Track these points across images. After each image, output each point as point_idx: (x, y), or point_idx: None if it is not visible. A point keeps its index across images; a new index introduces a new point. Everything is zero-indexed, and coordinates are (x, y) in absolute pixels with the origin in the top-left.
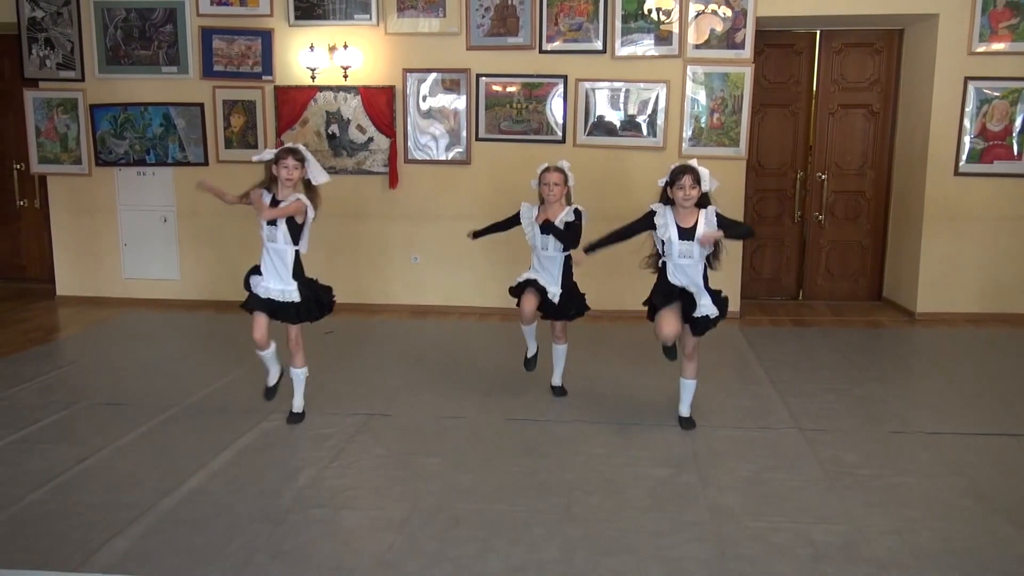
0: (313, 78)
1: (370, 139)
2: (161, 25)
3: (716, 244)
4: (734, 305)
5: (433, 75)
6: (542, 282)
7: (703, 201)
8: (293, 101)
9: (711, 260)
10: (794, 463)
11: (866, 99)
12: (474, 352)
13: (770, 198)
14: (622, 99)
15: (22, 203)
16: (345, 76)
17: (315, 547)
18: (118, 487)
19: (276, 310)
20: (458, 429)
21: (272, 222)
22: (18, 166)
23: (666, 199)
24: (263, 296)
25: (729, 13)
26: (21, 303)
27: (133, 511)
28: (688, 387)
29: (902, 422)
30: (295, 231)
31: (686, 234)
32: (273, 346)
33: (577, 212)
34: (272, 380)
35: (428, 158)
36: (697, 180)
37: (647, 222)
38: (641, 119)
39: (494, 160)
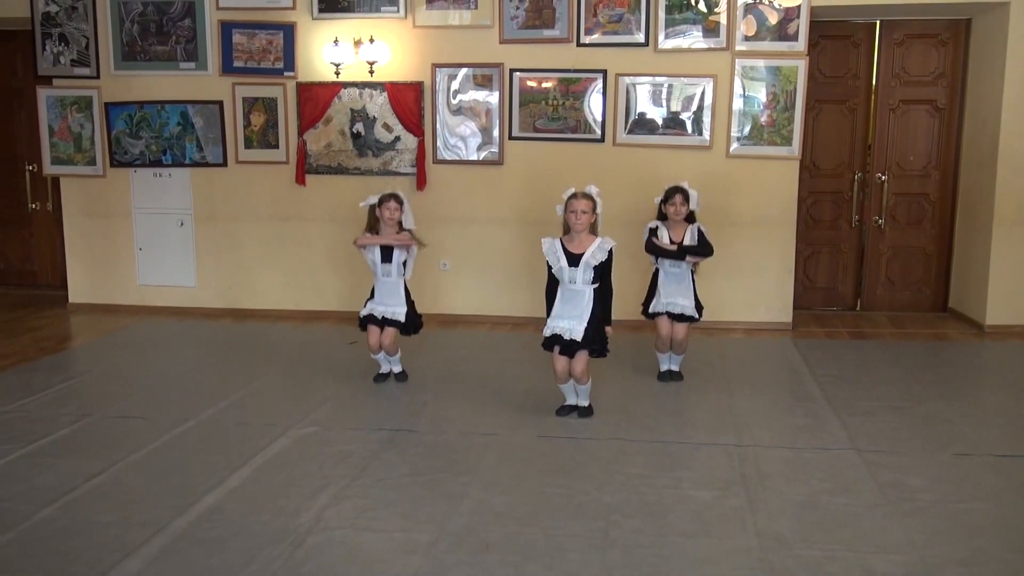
0: (337, 74)
1: (397, 138)
2: (179, 19)
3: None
4: (786, 316)
5: (464, 70)
6: (566, 324)
7: (691, 218)
8: (316, 98)
9: (695, 267)
10: (851, 487)
11: (930, 94)
12: (506, 365)
13: (825, 201)
14: (665, 95)
15: (34, 206)
16: (371, 72)
17: (336, 571)
18: (130, 504)
19: (385, 322)
20: (489, 447)
21: (387, 259)
22: (30, 167)
23: (661, 215)
24: (378, 315)
25: (782, 3)
26: (32, 311)
27: (146, 530)
28: (678, 359)
29: (969, 444)
30: (404, 264)
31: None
32: (382, 352)
33: (611, 251)
34: (384, 369)
35: (458, 158)
36: (686, 199)
37: (651, 239)
38: (686, 116)
39: (528, 160)
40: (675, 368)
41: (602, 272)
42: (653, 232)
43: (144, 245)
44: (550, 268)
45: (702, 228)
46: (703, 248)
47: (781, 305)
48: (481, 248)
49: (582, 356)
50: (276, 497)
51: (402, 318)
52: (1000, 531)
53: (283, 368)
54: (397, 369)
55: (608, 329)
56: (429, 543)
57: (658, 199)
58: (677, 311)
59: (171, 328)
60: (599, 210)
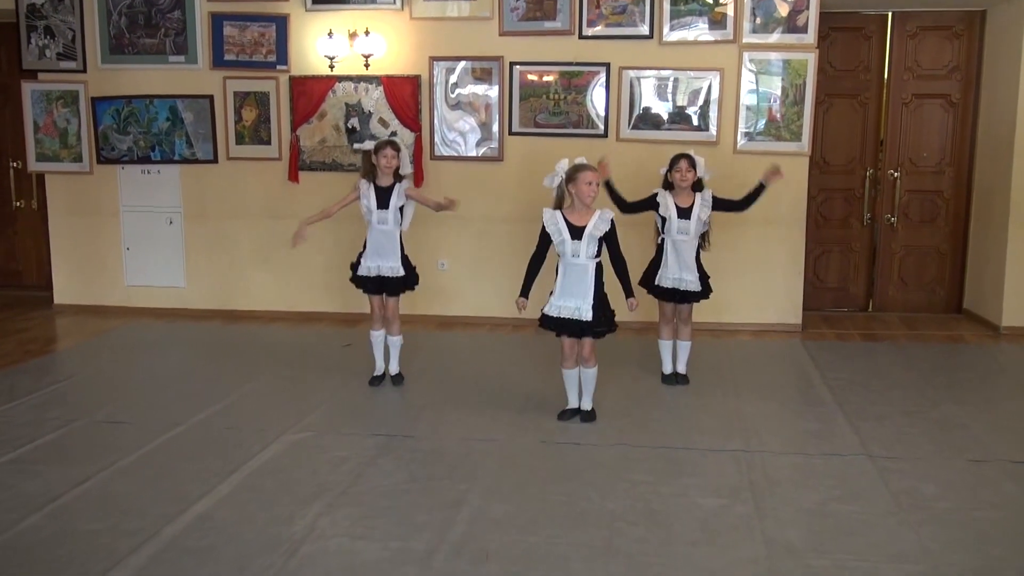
0: (332, 67)
1: (393, 134)
2: (168, 11)
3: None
4: (795, 317)
5: (462, 63)
6: (572, 303)
7: (699, 186)
8: (310, 92)
9: (703, 241)
10: (863, 494)
11: (944, 88)
12: (506, 368)
13: (836, 198)
14: (670, 89)
15: (18, 204)
16: (366, 65)
17: None
18: (119, 512)
19: (384, 285)
20: (489, 453)
21: (384, 204)
22: (15, 164)
23: (667, 185)
24: (373, 275)
25: None
26: (17, 312)
27: (135, 538)
28: (684, 347)
29: (985, 449)
30: (401, 211)
31: (684, 213)
32: (383, 332)
33: (612, 221)
34: (379, 371)
35: (456, 154)
36: (692, 165)
37: (651, 202)
38: (691, 111)
39: (529, 156)
40: (681, 370)
41: (608, 243)
42: (655, 196)
43: (132, 244)
44: (542, 240)
45: (714, 192)
46: (735, 202)
47: (790, 306)
48: (480, 247)
49: (588, 340)
50: (269, 505)
51: (402, 272)
52: (1017, 540)
53: (276, 371)
54: (395, 370)
55: (632, 301)
56: (427, 552)
57: (663, 169)
58: (683, 287)
59: (160, 330)
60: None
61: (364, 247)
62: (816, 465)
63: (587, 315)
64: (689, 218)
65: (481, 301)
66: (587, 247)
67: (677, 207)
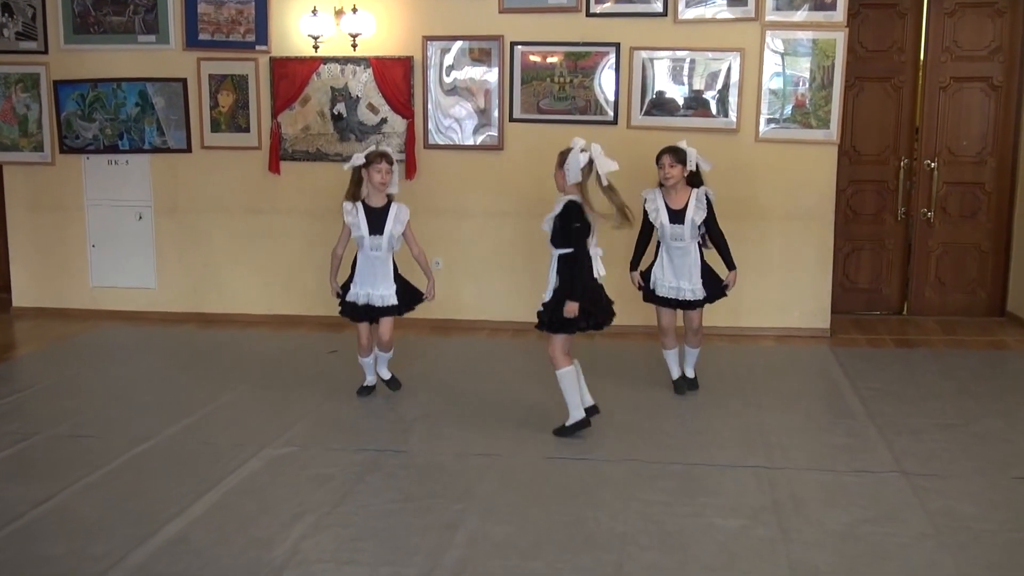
0: (316, 48)
1: (383, 120)
2: None
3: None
4: (823, 321)
5: (459, 44)
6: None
7: (695, 181)
8: (292, 75)
9: (704, 240)
10: (897, 514)
11: (985, 70)
12: (507, 376)
13: (868, 191)
14: (686, 72)
15: None
16: (354, 45)
17: None
18: (83, 535)
19: (372, 312)
20: (487, 469)
21: (378, 231)
22: None
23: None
24: (362, 303)
25: None
26: None
27: (100, 563)
28: (692, 353)
29: None
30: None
31: (676, 216)
32: (373, 354)
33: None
34: (370, 383)
35: (452, 143)
36: (679, 159)
37: (645, 211)
38: (709, 95)
39: (531, 145)
40: (689, 373)
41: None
42: (645, 204)
43: (98, 241)
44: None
45: (709, 194)
46: (716, 233)
47: (817, 309)
48: (478, 244)
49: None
50: (247, 526)
51: (394, 301)
52: None
53: (255, 380)
54: (386, 375)
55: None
56: None
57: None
58: (683, 297)
59: (128, 335)
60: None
61: (352, 271)
62: (846, 483)
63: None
64: (682, 222)
65: (480, 303)
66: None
67: (669, 210)
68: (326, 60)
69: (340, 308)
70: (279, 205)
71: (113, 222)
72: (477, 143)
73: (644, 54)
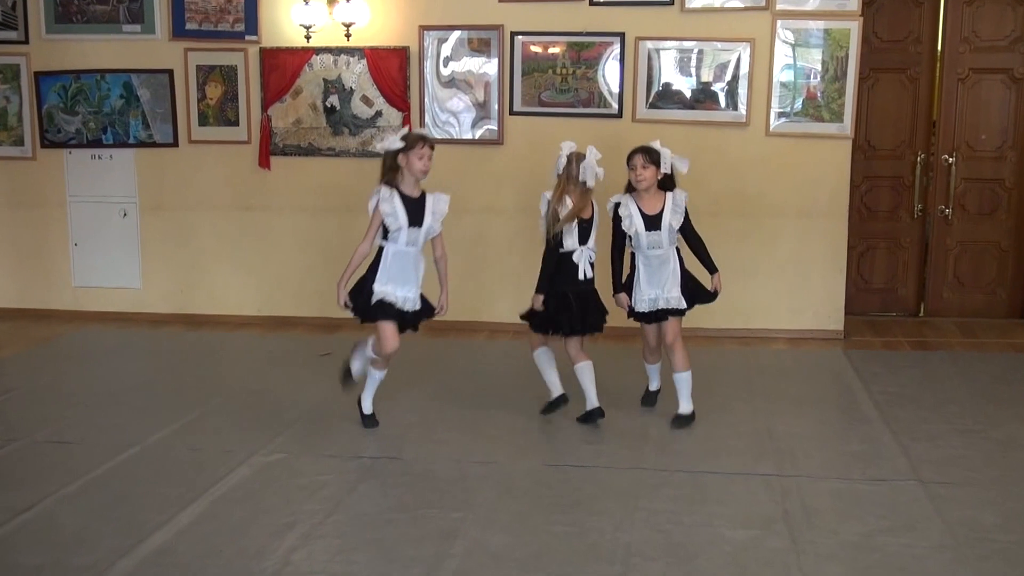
0: (308, 38)
1: (378, 113)
2: None
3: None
4: (836, 323)
5: (457, 33)
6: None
7: (668, 184)
8: (283, 67)
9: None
10: (914, 524)
11: (1005, 62)
12: (507, 380)
13: (883, 187)
14: (694, 63)
15: None
16: (347, 35)
17: None
18: (65, 545)
19: (403, 320)
20: (486, 477)
21: (418, 223)
22: None
23: (630, 185)
24: (398, 306)
25: None
26: None
27: (84, 575)
28: (682, 380)
29: None
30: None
31: (652, 223)
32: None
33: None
34: (367, 411)
35: (450, 137)
36: (652, 160)
37: (617, 219)
38: (718, 88)
39: (532, 139)
40: (684, 409)
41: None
42: (617, 211)
43: (80, 240)
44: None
45: (687, 197)
46: (695, 239)
47: (830, 310)
48: (476, 243)
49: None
50: (236, 536)
51: (418, 305)
52: None
53: (244, 384)
54: (356, 370)
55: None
56: None
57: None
58: (663, 307)
59: (112, 337)
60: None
61: (373, 271)
62: (860, 492)
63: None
64: (659, 228)
65: (477, 304)
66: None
67: (643, 215)
68: (318, 51)
69: (357, 309)
70: (269, 202)
71: (96, 219)
72: (476, 137)
73: (650, 44)
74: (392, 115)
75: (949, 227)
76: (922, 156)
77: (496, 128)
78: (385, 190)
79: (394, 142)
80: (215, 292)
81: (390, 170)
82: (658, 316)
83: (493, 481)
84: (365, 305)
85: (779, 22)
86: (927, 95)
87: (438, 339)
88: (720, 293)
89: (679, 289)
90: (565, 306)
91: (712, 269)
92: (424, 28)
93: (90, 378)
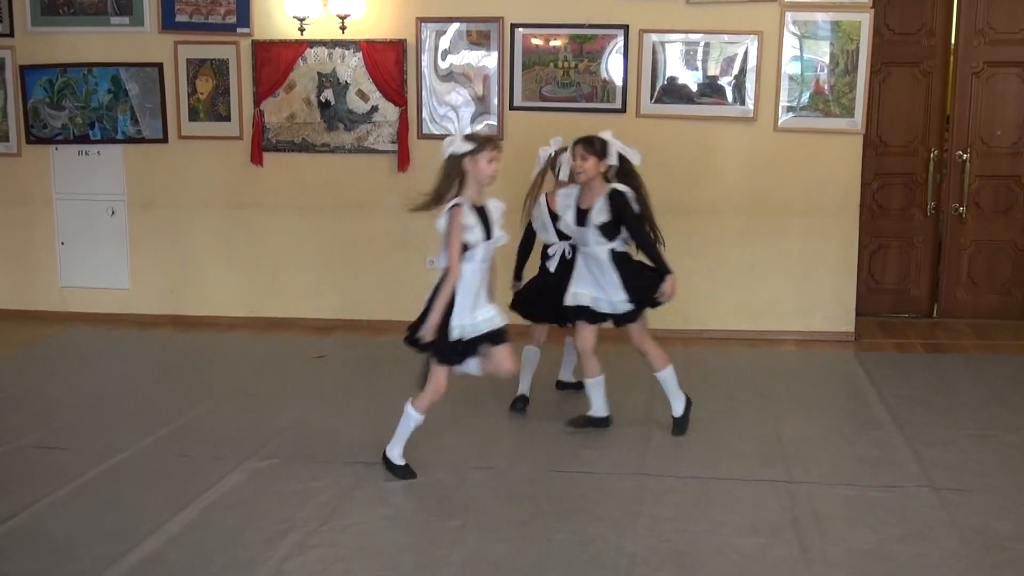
0: (302, 30)
1: (374, 108)
2: None
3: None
4: (847, 324)
5: (455, 26)
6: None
7: (620, 176)
8: (276, 60)
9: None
10: (926, 532)
11: (1021, 54)
12: (506, 384)
13: (895, 184)
14: (700, 56)
15: None
16: (342, 28)
17: None
18: (52, 553)
19: (477, 344)
20: (486, 483)
21: (489, 234)
22: None
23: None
24: (468, 337)
25: None
26: None
27: None
28: (665, 379)
29: None
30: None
31: (582, 218)
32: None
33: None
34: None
35: (448, 132)
36: (592, 150)
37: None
38: (725, 81)
39: (533, 135)
40: (678, 409)
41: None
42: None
43: (67, 238)
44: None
45: (626, 193)
46: (637, 230)
47: (841, 311)
48: None
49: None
50: (228, 544)
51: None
52: None
53: (236, 387)
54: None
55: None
56: None
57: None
58: (604, 309)
59: (100, 339)
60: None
61: (452, 302)
62: (871, 498)
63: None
64: (586, 224)
65: None
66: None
67: (578, 210)
68: (313, 44)
69: (440, 350)
70: (262, 199)
71: (84, 217)
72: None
73: (655, 37)
74: (389, 110)
75: (963, 226)
76: (935, 152)
77: (496, 123)
78: (464, 202)
79: (460, 144)
80: (206, 292)
81: (455, 178)
82: (581, 314)
83: (493, 487)
84: (445, 345)
85: (788, 14)
86: (940, 89)
87: None
88: (668, 298)
89: (621, 292)
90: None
91: (664, 271)
92: (422, 20)
93: (78, 381)
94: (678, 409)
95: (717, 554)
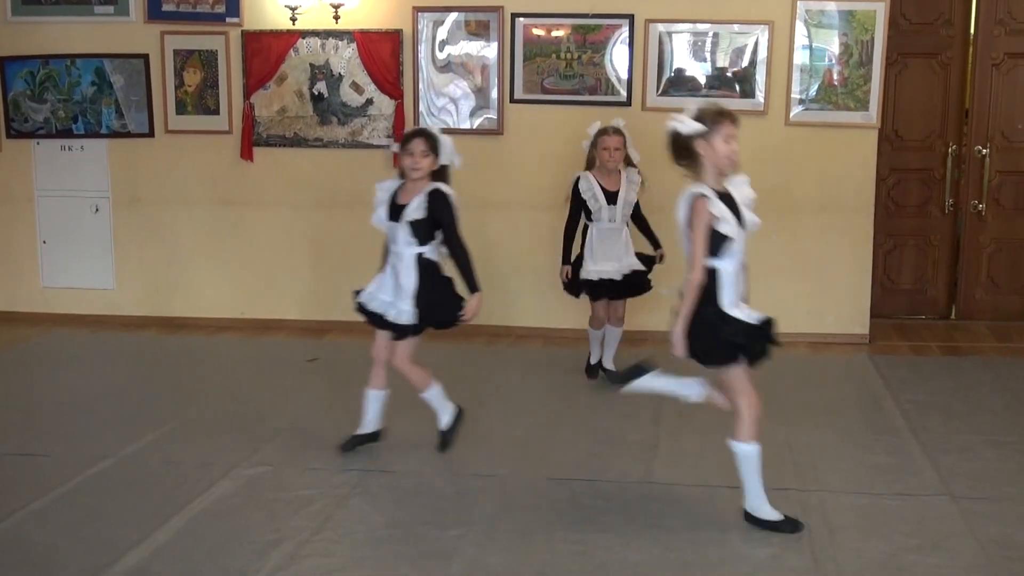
0: (294, 20)
1: (369, 101)
2: None
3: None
4: (861, 326)
5: (453, 15)
6: (612, 266)
7: (439, 176)
8: (267, 51)
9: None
10: (944, 542)
11: None
12: (507, 389)
13: (911, 180)
14: (708, 47)
15: None
16: (336, 17)
17: None
18: (33, 565)
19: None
20: (485, 491)
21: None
22: None
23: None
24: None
25: None
26: None
27: None
28: (432, 398)
29: None
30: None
31: (611, 197)
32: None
33: (640, 183)
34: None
35: (447, 126)
36: (434, 149)
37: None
38: (734, 73)
39: (535, 128)
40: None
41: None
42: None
43: (49, 237)
44: (577, 207)
45: (449, 194)
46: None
47: (855, 313)
48: (475, 240)
49: (622, 303)
50: (216, 555)
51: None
52: None
53: (225, 391)
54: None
55: (661, 251)
56: None
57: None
58: (619, 277)
59: (84, 341)
60: (629, 143)
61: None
62: (887, 507)
63: (618, 275)
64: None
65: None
66: (622, 211)
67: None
68: (305, 34)
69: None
70: (252, 196)
71: (66, 215)
72: (474, 127)
73: (661, 27)
74: (384, 103)
75: (982, 223)
76: (953, 147)
77: (496, 117)
78: (705, 190)
79: (688, 123)
80: (194, 293)
81: (684, 160)
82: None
83: (492, 496)
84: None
85: (800, 3)
86: (959, 81)
87: (431, 344)
88: (469, 320)
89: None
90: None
91: (473, 287)
92: (418, 10)
93: (60, 385)
94: (445, 422)
95: (726, 565)
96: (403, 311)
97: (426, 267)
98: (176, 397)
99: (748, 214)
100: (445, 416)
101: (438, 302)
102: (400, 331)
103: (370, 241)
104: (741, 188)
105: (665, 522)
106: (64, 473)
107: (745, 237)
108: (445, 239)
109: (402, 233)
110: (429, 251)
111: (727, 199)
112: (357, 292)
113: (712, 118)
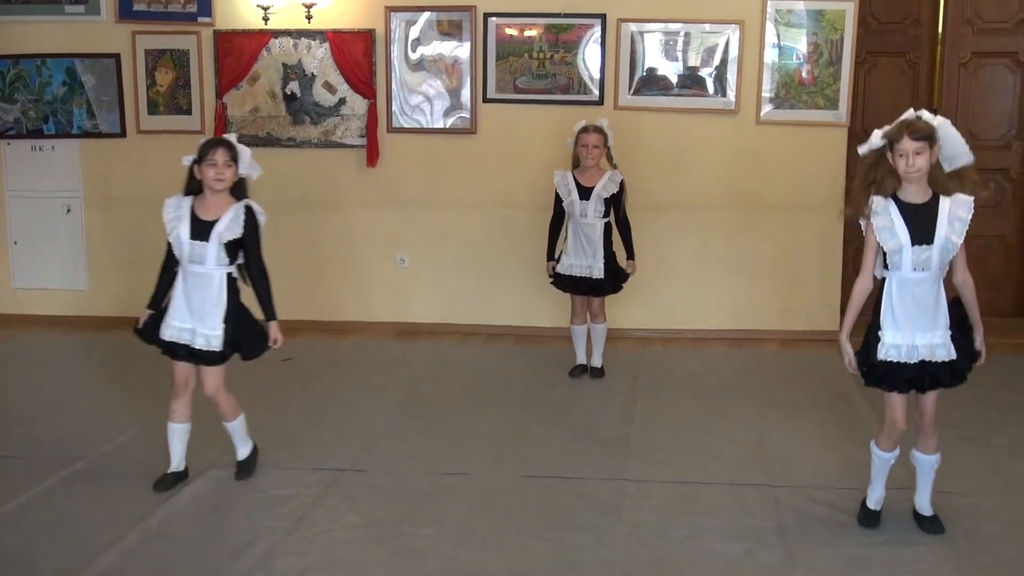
0: (266, 20)
1: (342, 101)
2: None
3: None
4: (832, 323)
5: (426, 15)
6: (584, 263)
7: (238, 192)
8: (239, 51)
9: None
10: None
11: (1010, 45)
12: (481, 387)
13: None
14: (680, 46)
15: None
16: (309, 17)
17: None
18: (5, 567)
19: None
20: (459, 490)
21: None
22: None
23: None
24: (579, 275)
25: None
26: None
27: None
28: (235, 429)
29: None
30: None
31: (586, 193)
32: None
33: (622, 183)
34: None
35: (419, 126)
36: (236, 159)
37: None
38: (706, 72)
39: (507, 128)
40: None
41: (615, 206)
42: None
43: (20, 238)
44: (558, 203)
45: (259, 212)
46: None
47: (826, 309)
48: (448, 239)
49: (599, 299)
50: (189, 557)
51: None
52: None
53: (197, 392)
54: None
55: (632, 263)
56: None
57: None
58: (592, 275)
59: (56, 343)
60: (611, 142)
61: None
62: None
63: (599, 273)
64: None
65: (449, 305)
66: (595, 207)
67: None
68: (277, 34)
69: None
70: None
71: (38, 216)
72: (447, 126)
73: (633, 27)
74: (357, 103)
75: None
76: None
77: (468, 116)
78: (879, 200)
79: (875, 140)
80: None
81: (872, 176)
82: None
83: (467, 494)
84: (868, 362)
85: (770, 3)
86: (927, 80)
87: (406, 342)
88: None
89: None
90: None
91: (270, 315)
92: (391, 9)
93: (32, 387)
94: (243, 453)
95: (699, 561)
96: (212, 337)
97: (232, 288)
98: (148, 398)
99: (944, 230)
100: (244, 449)
101: (248, 327)
102: (208, 359)
103: (343, 240)
104: (961, 204)
105: (638, 519)
106: (36, 475)
107: (936, 253)
108: (249, 260)
109: (212, 252)
110: (234, 271)
111: (919, 211)
112: (139, 327)
113: (895, 132)
